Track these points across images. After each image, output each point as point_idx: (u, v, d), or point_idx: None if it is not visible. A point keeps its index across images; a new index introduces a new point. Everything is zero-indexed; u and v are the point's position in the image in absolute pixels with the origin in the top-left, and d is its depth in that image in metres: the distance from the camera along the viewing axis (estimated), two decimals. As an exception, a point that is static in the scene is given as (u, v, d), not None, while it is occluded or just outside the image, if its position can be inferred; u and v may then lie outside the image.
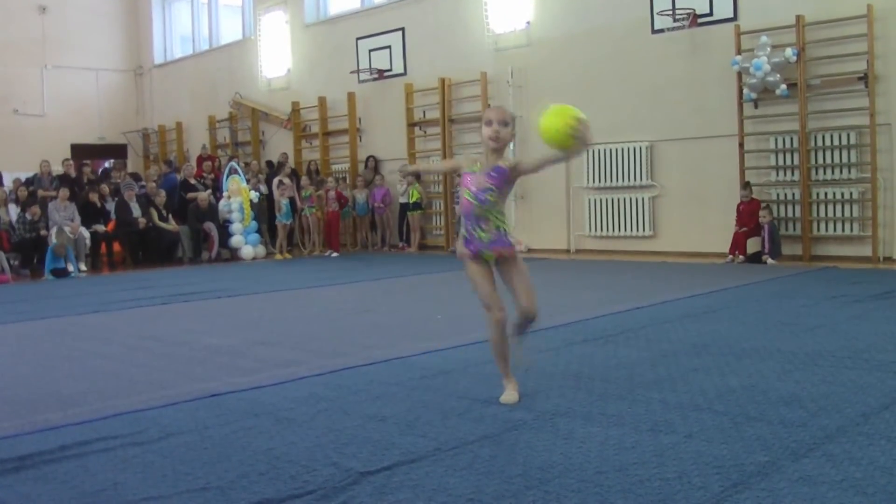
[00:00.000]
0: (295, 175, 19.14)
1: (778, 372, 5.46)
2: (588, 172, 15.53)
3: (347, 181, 19.35)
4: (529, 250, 16.38)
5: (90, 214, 16.48)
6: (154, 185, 17.73)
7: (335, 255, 17.46)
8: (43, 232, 15.05)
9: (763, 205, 13.12)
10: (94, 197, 16.79)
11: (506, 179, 4.93)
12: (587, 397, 4.96)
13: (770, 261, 12.73)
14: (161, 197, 17.19)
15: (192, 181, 18.35)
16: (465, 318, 8.38)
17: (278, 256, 17.38)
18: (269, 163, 20.50)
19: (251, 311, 9.60)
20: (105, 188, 17.72)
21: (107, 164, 24.10)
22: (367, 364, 6.14)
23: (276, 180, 17.92)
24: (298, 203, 17.75)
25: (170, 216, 17.17)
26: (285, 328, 8.25)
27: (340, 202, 18.11)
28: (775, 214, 13.25)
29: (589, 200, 15.64)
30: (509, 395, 4.92)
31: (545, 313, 8.40)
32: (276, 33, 21.69)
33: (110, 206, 17.11)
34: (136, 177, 19.96)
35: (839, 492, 3.33)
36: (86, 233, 15.72)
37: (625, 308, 8.49)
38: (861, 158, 12.66)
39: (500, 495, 3.42)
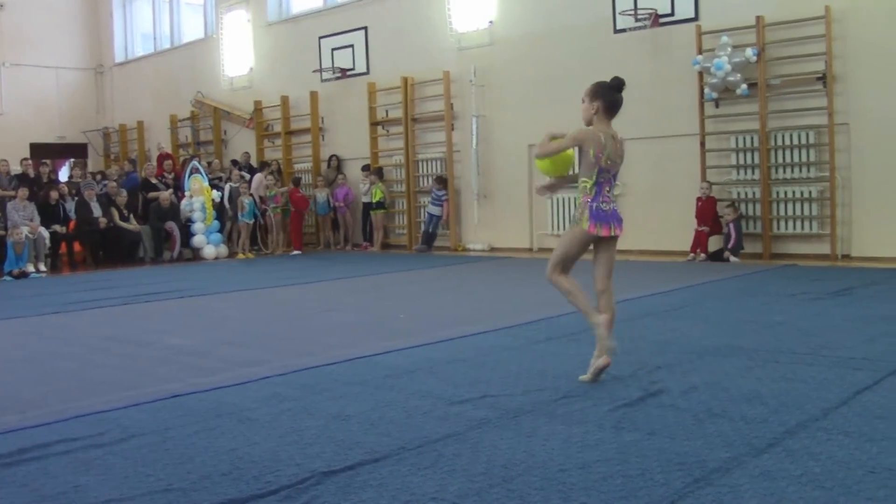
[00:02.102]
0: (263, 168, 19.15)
1: (740, 369, 5.51)
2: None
3: (303, 181, 19.41)
4: (492, 249, 16.44)
5: (49, 214, 16.29)
6: (115, 184, 17.58)
7: (297, 253, 17.46)
8: (0, 232, 14.87)
9: (728, 203, 13.23)
10: (53, 196, 16.59)
11: None
12: (551, 395, 4.98)
13: (732, 258, 12.83)
14: (122, 196, 17.06)
15: (153, 180, 18.20)
16: (428, 317, 8.40)
17: (241, 256, 17.29)
18: (234, 161, 20.34)
19: (214, 311, 9.55)
20: (65, 187, 17.55)
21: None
22: (330, 363, 6.13)
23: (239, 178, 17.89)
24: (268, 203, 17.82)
25: (131, 216, 17.03)
26: (248, 328, 8.21)
27: (298, 202, 18.07)
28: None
29: (551, 199, 15.68)
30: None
31: (508, 312, 8.44)
32: (238, 32, 21.58)
33: (70, 205, 16.94)
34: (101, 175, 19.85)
35: (798, 486, 3.37)
36: (45, 233, 15.55)
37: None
38: (820, 157, 12.79)
39: (464, 494, 3.43)
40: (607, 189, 5.28)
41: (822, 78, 12.53)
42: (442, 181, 16.95)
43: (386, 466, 3.79)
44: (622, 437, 4.11)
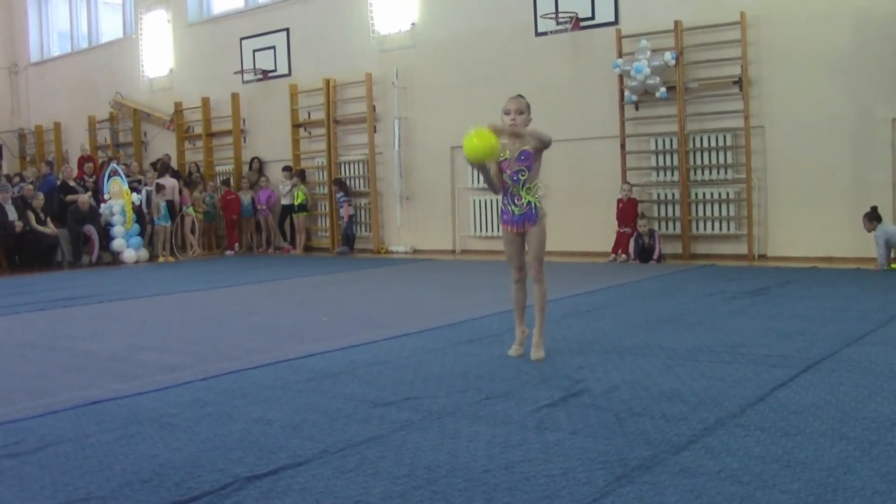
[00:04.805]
0: (178, 176, 18.87)
1: (660, 368, 5.59)
2: (472, 173, 15.64)
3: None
4: (414, 251, 16.46)
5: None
6: (31, 187, 17.21)
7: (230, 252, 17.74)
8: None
9: (640, 214, 13.40)
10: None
11: (533, 158, 6.02)
12: (474, 396, 5.00)
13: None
14: (39, 199, 16.70)
15: (72, 183, 17.86)
16: (350, 320, 8.37)
17: (161, 260, 17.06)
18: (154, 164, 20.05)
19: (134, 315, 9.40)
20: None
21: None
22: (252, 367, 6.07)
23: (154, 182, 17.66)
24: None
25: (48, 219, 16.68)
26: (169, 332, 8.09)
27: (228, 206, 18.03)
28: (656, 214, 13.58)
29: (473, 201, 15.77)
30: (515, 349, 6.19)
31: (431, 314, 8.46)
32: (158, 32, 21.27)
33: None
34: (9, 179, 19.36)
35: (717, 482, 3.43)
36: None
37: (509, 307, 8.54)
38: (737, 159, 13.06)
39: (388, 496, 3.42)
40: None
41: (738, 82, 12.79)
42: (339, 183, 17.06)
43: (309, 470, 3.77)
44: (545, 437, 4.15)
